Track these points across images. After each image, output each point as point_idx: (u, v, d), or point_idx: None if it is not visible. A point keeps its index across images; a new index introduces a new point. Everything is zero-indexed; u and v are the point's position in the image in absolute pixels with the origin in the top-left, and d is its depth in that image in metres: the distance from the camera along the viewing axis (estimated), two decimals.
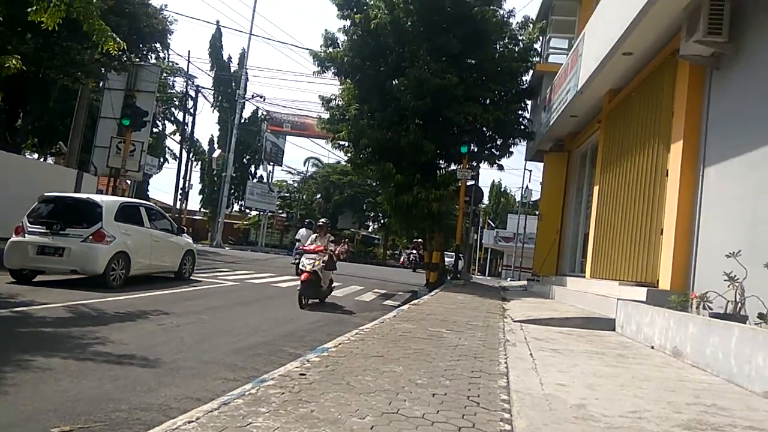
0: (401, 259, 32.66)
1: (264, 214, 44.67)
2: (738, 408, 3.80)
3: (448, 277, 17.59)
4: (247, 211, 43.06)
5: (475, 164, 18.61)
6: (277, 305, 10.18)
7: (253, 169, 45.28)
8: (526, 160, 23.28)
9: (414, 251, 27.30)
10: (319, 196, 58.55)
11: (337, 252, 10.49)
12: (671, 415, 3.54)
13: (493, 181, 65.95)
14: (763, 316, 5.09)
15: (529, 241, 36.19)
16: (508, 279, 35.04)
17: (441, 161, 17.57)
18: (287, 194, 52.82)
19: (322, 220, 11.12)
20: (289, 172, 53.55)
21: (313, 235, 10.60)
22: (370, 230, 59.49)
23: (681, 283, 7.64)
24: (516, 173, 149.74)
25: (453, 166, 17.68)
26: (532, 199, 44.36)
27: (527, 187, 43.69)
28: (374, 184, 29.06)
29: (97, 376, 4.43)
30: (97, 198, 10.49)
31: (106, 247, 9.70)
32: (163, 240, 11.58)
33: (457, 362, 4.79)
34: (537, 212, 19.00)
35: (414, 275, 24.20)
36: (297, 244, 17.66)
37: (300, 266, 9.74)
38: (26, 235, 9.61)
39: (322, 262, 9.84)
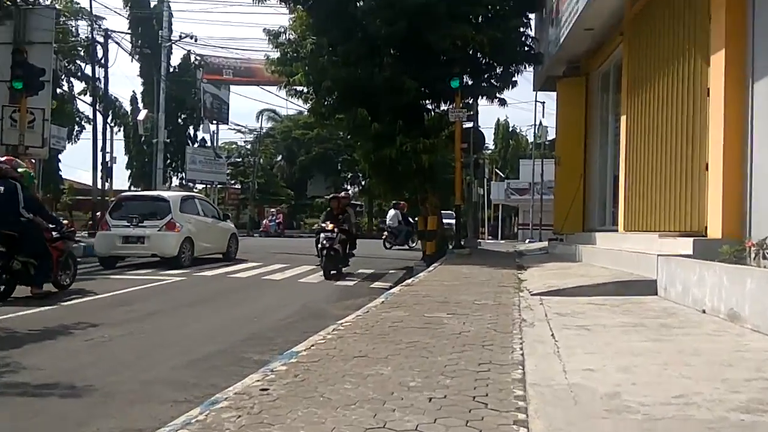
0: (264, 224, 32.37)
1: (212, 187, 44.40)
2: None
3: (450, 246, 17.71)
4: (190, 185, 42.72)
5: (471, 101, 18.52)
6: (239, 300, 10.23)
7: (191, 131, 44.76)
8: (535, 90, 23.22)
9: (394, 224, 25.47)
10: (280, 158, 58.34)
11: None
12: (726, 396, 3.62)
13: (497, 120, 65.62)
14: None
15: (549, 192, 36.39)
16: (527, 241, 35.36)
17: (427, 101, 17.53)
18: (239, 160, 52.50)
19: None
20: (239, 131, 53.38)
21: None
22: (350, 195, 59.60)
23: (734, 229, 7.75)
24: (525, 108, 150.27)
25: (443, 106, 17.59)
26: (549, 137, 44.50)
27: (540, 123, 43.49)
28: (347, 137, 28.97)
29: (9, 414, 4.42)
30: (165, 194, 16.96)
31: (177, 234, 15.33)
32: (214, 226, 17.32)
33: (461, 354, 4.84)
34: (554, 156, 19.08)
35: (407, 249, 24.33)
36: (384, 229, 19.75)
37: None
38: (111, 228, 15.38)
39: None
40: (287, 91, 17.33)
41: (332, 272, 13.24)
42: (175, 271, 14.44)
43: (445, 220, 20.00)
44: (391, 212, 25.20)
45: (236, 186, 52.25)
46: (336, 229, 13.46)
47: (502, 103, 17.72)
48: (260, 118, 53.25)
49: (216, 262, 16.52)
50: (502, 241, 40.36)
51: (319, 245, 13.60)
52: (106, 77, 31.00)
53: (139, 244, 15.33)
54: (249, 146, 54.24)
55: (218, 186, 45.43)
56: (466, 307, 7.20)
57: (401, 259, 18.90)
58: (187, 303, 9.85)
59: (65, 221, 11.79)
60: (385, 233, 25.16)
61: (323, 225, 13.80)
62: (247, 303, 9.97)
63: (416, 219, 20.51)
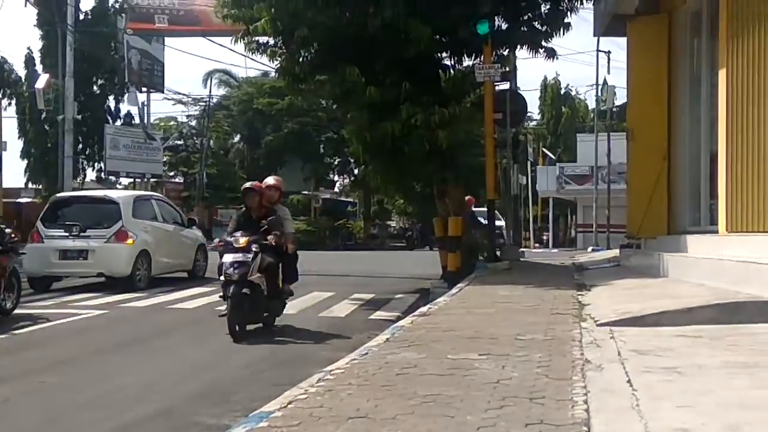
0: None
1: (143, 182, 44.39)
2: None
3: (480, 258, 17.73)
4: (112, 179, 42.73)
5: (506, 53, 18.50)
6: (185, 341, 10.26)
7: (112, 103, 44.76)
8: (596, 35, 23.25)
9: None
10: (237, 138, 58.39)
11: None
12: None
13: (544, 79, 65.38)
14: None
15: (619, 179, 36.35)
16: (589, 249, 35.40)
17: (445, 55, 17.51)
18: (180, 143, 52.61)
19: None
20: (180, 102, 53.36)
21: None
22: (337, 189, 59.52)
23: None
24: (582, 61, 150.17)
25: (468, 62, 17.58)
26: (617, 102, 44.48)
27: (605, 82, 43.59)
28: (332, 107, 28.86)
29: None
30: (113, 194, 18.06)
31: (130, 247, 16.36)
32: (177, 235, 18.77)
33: (499, 412, 4.86)
34: (625, 128, 19.10)
35: (423, 260, 24.34)
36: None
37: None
38: (44, 240, 16.47)
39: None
40: (246, 43, 17.29)
41: (244, 327, 10.39)
42: (124, 295, 14.79)
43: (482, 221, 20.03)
44: None
45: (177, 180, 52.36)
46: (253, 247, 10.44)
47: (551, 54, 17.67)
48: (209, 82, 53.51)
49: (176, 284, 16.61)
50: (555, 250, 40.41)
51: (222, 277, 10.48)
52: None
53: (81, 260, 16.41)
54: (194, 123, 54.41)
55: (152, 180, 45.42)
56: (506, 345, 7.22)
57: (412, 279, 18.92)
58: (114, 345, 9.88)
59: (8, 230, 12.30)
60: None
61: (229, 239, 10.68)
62: (196, 344, 9.99)
63: (479, 218, 20.39)
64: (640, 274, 13.67)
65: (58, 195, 20.15)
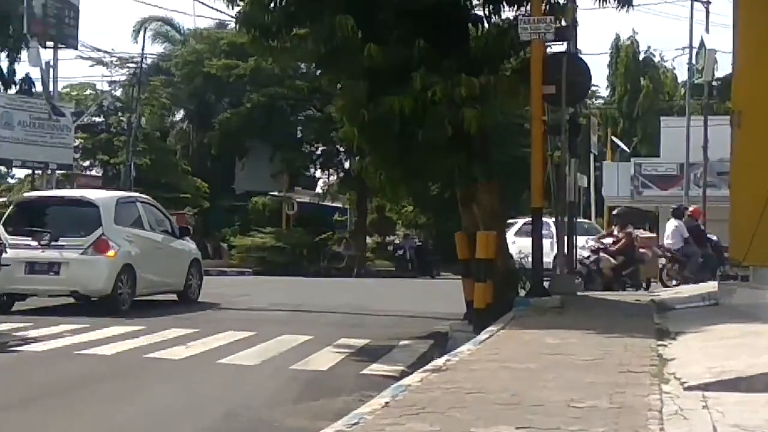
0: None
1: (45, 174, 44.40)
2: None
3: (522, 292, 17.72)
4: (2, 169, 42.78)
5: (562, 0, 18.49)
6: (102, 401, 10.25)
7: (3, 63, 44.82)
8: None
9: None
10: (180, 115, 58.23)
11: None
12: None
13: (616, 38, 65.36)
14: None
15: (720, 181, 36.31)
16: (673, 281, 35.23)
17: (474, 1, 17.63)
18: (100, 119, 52.54)
19: None
20: (99, 63, 53.26)
21: None
22: (320, 190, 59.31)
23: None
24: (668, 14, 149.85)
25: (507, 12, 17.62)
26: (717, 74, 44.53)
27: (701, 45, 43.60)
28: (315, 72, 28.52)
29: None
30: (90, 195, 19.96)
31: (111, 260, 18.14)
32: (166, 246, 20.97)
33: None
34: (729, 109, 19.07)
35: (438, 292, 24.31)
36: None
37: None
38: (8, 249, 17.08)
39: None
40: None
41: None
42: (100, 318, 15.62)
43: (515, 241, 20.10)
44: (672, 223, 26.96)
45: (94, 172, 52.27)
46: None
47: (625, 1, 17.67)
48: (141, 35, 53.43)
49: (91, 320, 16.64)
50: (628, 282, 40.23)
51: None
52: None
53: (51, 276, 18.13)
54: (119, 93, 54.31)
55: (58, 172, 45.44)
56: (555, 415, 7.22)
57: (425, 318, 18.90)
58: None
59: None
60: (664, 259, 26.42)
61: None
62: (113, 412, 9.94)
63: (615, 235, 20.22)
64: (746, 317, 13.62)
65: (25, 195, 23.19)
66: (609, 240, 27.33)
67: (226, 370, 12.30)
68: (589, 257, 24.82)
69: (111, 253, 18.20)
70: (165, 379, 11.70)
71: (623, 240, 25.04)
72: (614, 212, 29.80)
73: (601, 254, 24.80)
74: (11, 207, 20.69)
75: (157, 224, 21.24)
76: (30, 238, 17.74)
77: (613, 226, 35.50)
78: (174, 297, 20.97)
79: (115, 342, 14.64)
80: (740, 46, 17.65)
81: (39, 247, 17.97)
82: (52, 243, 18.02)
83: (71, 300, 18.97)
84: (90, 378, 11.85)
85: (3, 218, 19.55)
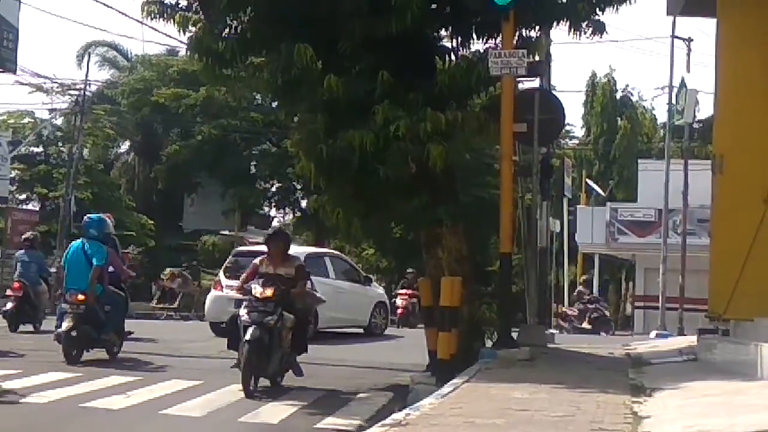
0: None
1: None
2: None
3: (488, 342, 17.70)
4: None
5: (536, 33, 18.60)
6: None
7: None
8: (671, 13, 23.42)
9: None
10: (126, 147, 58.04)
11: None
12: None
13: (593, 75, 65.79)
14: None
15: (700, 229, 36.45)
16: (652, 333, 35.41)
17: (442, 32, 17.79)
18: (38, 150, 52.32)
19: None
20: (39, 89, 53.02)
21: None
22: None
23: None
24: (647, 50, 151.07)
25: (477, 44, 17.68)
26: (698, 114, 44.86)
27: (682, 84, 43.87)
28: (270, 104, 28.54)
29: None
30: None
31: None
32: (349, 292, 27.64)
33: None
34: (711, 153, 19.18)
35: (400, 341, 24.29)
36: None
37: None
38: (224, 289, 25.04)
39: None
40: (145, 6, 17.38)
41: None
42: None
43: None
44: None
45: (30, 206, 51.97)
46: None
47: (598, 28, 17.80)
48: (85, 60, 53.30)
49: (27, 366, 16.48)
50: (601, 334, 40.41)
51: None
52: None
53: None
54: (60, 121, 54.11)
55: None
56: None
57: (385, 369, 18.84)
58: None
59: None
60: None
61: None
62: None
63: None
64: (727, 373, 13.69)
65: (239, 248, 32.06)
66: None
67: (169, 422, 12.21)
68: None
69: None
70: (101, 431, 11.58)
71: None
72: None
73: None
74: (230, 257, 29.20)
75: (344, 274, 28.41)
76: (239, 281, 20.23)
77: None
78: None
79: (54, 388, 14.51)
80: (722, 88, 17.80)
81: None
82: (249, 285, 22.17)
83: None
84: (19, 429, 11.74)
85: (223, 266, 28.39)
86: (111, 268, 19.66)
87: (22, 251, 27.00)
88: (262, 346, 14.57)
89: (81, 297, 17.99)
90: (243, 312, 14.97)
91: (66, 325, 17.72)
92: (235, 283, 20.21)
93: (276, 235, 16.49)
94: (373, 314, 28.31)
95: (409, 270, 38.49)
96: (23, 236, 29.97)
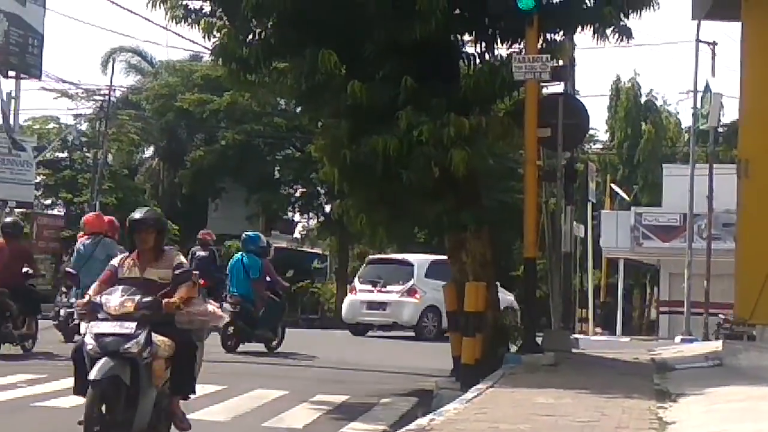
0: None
1: (2, 213, 44.23)
2: None
3: (513, 347, 17.66)
4: None
5: (561, 38, 18.55)
6: None
7: None
8: (696, 18, 23.33)
9: None
10: (150, 152, 58.00)
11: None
12: None
13: (617, 79, 65.45)
14: None
15: (725, 234, 36.30)
16: (677, 338, 35.33)
17: (466, 37, 17.75)
18: (63, 155, 52.36)
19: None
20: (65, 95, 53.12)
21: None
22: (298, 235, 59.14)
23: None
24: (673, 55, 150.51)
25: (500, 49, 17.65)
26: (724, 118, 44.66)
27: (707, 87, 43.69)
28: (294, 110, 28.43)
29: None
30: (410, 257, 31.98)
31: (417, 302, 29.61)
32: None
33: None
34: (736, 157, 19.07)
35: (424, 346, 24.27)
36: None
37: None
38: (358, 293, 31.59)
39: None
40: (169, 8, 17.38)
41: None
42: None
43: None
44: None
45: (56, 211, 52.03)
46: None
47: (624, 34, 17.70)
48: (110, 66, 53.36)
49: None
50: (626, 339, 40.27)
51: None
52: None
53: (380, 311, 29.76)
54: (85, 127, 54.21)
55: (17, 210, 45.29)
56: None
57: (409, 374, 18.81)
58: None
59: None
60: None
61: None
62: None
63: None
64: (753, 378, 13.63)
65: (371, 257, 35.40)
66: None
67: (194, 427, 12.19)
68: None
69: (417, 297, 29.46)
70: None
71: None
72: None
73: None
74: (364, 265, 33.82)
75: None
76: (371, 285, 25.99)
77: None
78: None
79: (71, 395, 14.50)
80: (747, 91, 17.71)
81: (375, 291, 28.68)
82: (383, 289, 29.49)
83: None
84: None
85: (358, 273, 33.38)
86: (268, 278, 22.98)
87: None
88: (116, 387, 9.49)
89: (238, 299, 21.68)
90: (88, 338, 9.66)
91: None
92: (369, 287, 22.25)
93: (142, 222, 10.39)
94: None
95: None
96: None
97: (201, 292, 16.03)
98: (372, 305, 28.06)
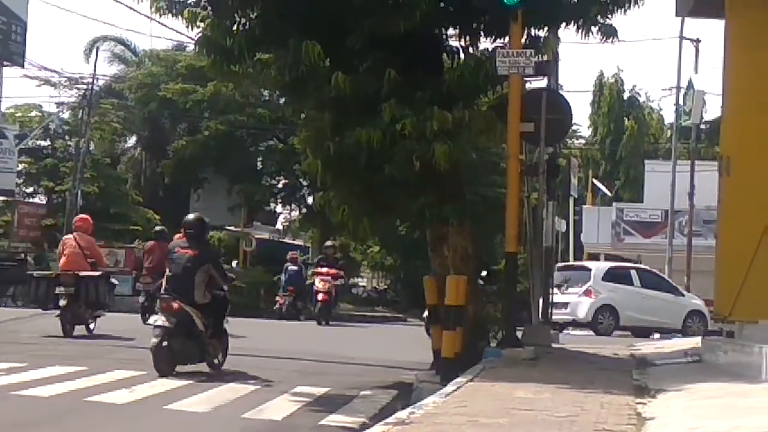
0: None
1: None
2: None
3: (491, 343, 17.67)
4: None
5: (544, 33, 18.56)
6: None
7: None
8: (680, 14, 23.34)
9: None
10: (133, 141, 57.85)
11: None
12: None
13: (600, 75, 65.51)
14: None
15: (706, 230, 36.40)
16: (656, 335, 35.38)
17: (450, 31, 17.71)
18: (46, 143, 52.16)
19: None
20: (47, 82, 52.93)
21: None
22: (280, 227, 59.04)
23: None
24: (657, 52, 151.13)
25: (484, 43, 17.64)
26: (706, 116, 44.68)
27: (690, 84, 43.76)
28: (278, 100, 28.51)
29: None
30: (589, 264, 41.79)
31: (592, 300, 35.56)
32: (655, 298, 35.96)
33: None
34: (717, 155, 19.08)
35: (404, 339, 24.27)
36: None
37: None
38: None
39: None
40: (154, 1, 17.32)
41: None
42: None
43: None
44: None
45: (37, 199, 51.86)
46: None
47: (608, 33, 17.70)
48: (93, 55, 53.12)
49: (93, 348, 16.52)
50: (608, 337, 40.26)
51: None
52: None
53: (563, 309, 32.16)
54: (68, 115, 54.00)
55: None
56: None
57: (389, 367, 18.81)
58: None
59: None
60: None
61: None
62: None
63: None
64: (731, 375, 13.65)
65: (563, 263, 38.73)
66: None
67: (173, 417, 12.20)
68: None
69: (592, 297, 34.28)
70: (104, 425, 11.56)
71: None
72: None
73: None
74: (557, 271, 33.73)
75: (653, 284, 36.29)
76: (557, 288, 28.04)
77: None
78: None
79: (52, 384, 14.47)
80: (730, 89, 17.71)
81: (560, 292, 30.39)
82: (566, 291, 33.09)
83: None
84: (22, 423, 11.73)
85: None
86: None
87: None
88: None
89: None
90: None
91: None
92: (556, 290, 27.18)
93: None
94: (687, 320, 34.81)
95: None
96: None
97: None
98: (557, 305, 28.97)
